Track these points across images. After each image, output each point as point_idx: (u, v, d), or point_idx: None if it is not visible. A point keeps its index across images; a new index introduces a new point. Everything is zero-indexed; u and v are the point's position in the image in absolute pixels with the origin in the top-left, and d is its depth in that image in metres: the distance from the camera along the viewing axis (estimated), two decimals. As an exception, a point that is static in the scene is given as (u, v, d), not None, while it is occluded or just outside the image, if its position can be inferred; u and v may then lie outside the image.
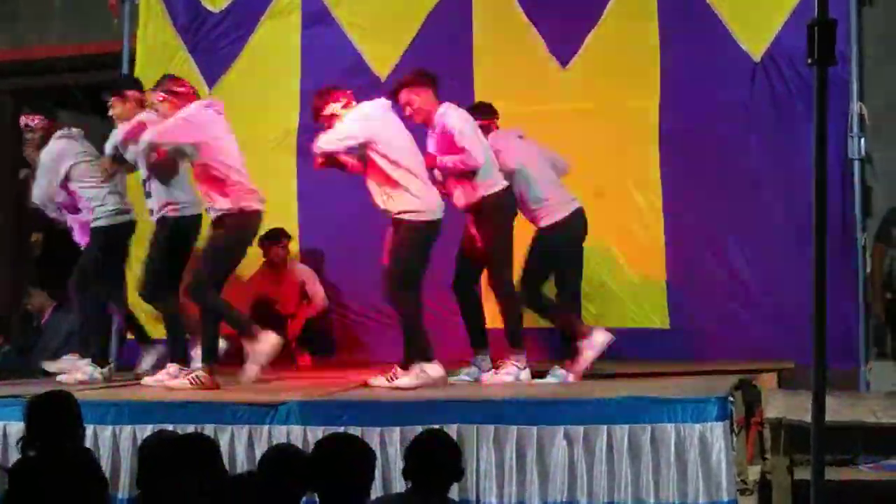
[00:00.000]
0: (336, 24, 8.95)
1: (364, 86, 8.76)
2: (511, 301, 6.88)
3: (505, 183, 6.93)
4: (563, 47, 8.43)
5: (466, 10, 8.65)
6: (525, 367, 6.83)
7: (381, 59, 8.80)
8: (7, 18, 10.41)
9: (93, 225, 7.54)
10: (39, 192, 7.62)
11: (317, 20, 9.00)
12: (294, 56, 9.01)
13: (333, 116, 6.82)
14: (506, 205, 6.93)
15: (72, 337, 8.44)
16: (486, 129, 7.11)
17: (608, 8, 8.39)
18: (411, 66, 8.52)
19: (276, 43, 9.08)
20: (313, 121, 6.99)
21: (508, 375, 6.76)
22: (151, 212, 7.24)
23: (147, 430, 5.76)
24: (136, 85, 7.66)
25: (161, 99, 7.08)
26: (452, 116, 6.84)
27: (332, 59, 8.89)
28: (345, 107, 6.83)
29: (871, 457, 6.30)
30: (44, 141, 7.63)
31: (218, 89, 9.08)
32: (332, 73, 8.89)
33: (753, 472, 6.27)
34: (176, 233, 7.17)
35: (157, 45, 9.33)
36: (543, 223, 7.05)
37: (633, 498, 5.39)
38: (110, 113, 7.44)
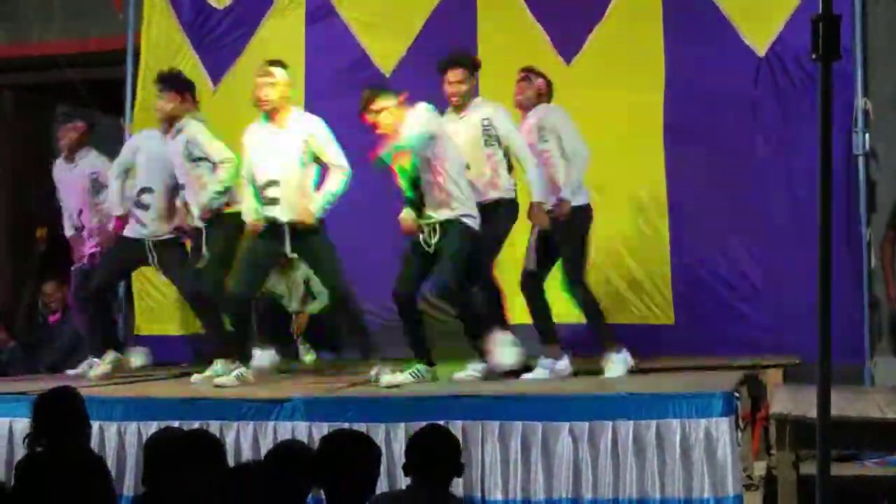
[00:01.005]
0: (340, 20, 8.95)
1: (368, 81, 8.79)
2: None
3: (513, 193, 6.96)
4: (568, 43, 8.42)
5: (471, 5, 8.65)
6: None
7: (386, 54, 8.80)
8: (9, 13, 10.41)
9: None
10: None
11: (321, 16, 9.01)
12: (298, 52, 9.00)
13: (384, 110, 6.67)
14: (512, 212, 6.95)
15: (79, 344, 8.48)
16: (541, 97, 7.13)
17: (612, 4, 8.38)
18: (416, 62, 8.58)
19: (281, 39, 9.07)
20: (360, 113, 6.80)
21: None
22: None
23: (152, 427, 5.77)
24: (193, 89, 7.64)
25: None
26: (515, 129, 6.91)
27: (337, 54, 8.90)
28: (399, 105, 6.71)
29: (876, 452, 6.30)
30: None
31: (222, 85, 9.11)
32: (336, 68, 8.91)
33: (759, 468, 6.28)
34: None
35: (161, 42, 9.33)
36: (576, 203, 6.96)
37: (638, 493, 5.40)
38: (160, 101, 7.39)
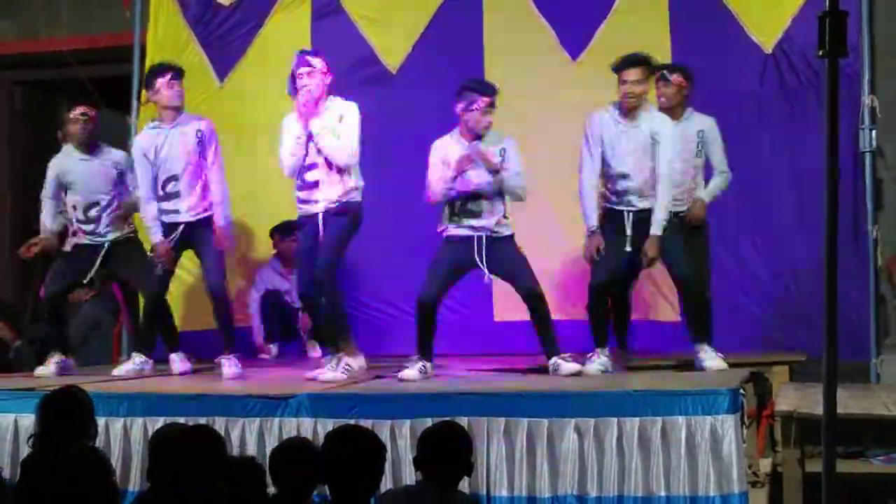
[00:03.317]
0: (346, 16, 8.95)
1: (374, 77, 8.79)
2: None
3: None
4: (574, 39, 8.41)
5: (477, 1, 8.65)
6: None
7: (392, 50, 8.80)
8: (17, 10, 10.43)
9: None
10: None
11: (327, 12, 9.00)
12: (304, 48, 9.00)
13: None
14: None
15: (98, 327, 8.49)
16: None
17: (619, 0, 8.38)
18: (422, 58, 8.57)
19: (287, 35, 9.06)
20: None
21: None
22: None
23: (158, 423, 5.76)
24: None
25: None
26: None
27: (343, 50, 8.87)
28: None
29: (882, 449, 6.29)
30: None
31: (229, 82, 9.11)
32: (342, 65, 8.87)
33: (765, 465, 6.27)
34: None
35: (167, 38, 9.32)
36: None
37: (644, 491, 5.38)
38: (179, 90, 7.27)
